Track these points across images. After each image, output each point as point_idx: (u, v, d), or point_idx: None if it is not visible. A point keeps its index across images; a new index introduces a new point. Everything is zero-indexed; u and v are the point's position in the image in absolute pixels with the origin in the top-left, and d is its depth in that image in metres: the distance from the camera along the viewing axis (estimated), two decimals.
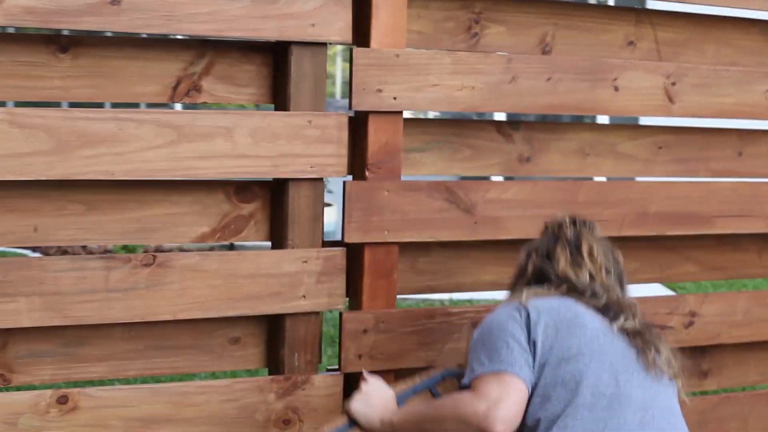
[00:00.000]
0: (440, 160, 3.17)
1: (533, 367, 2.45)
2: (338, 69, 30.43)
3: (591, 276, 2.67)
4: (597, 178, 3.81)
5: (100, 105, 2.84)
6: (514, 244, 3.18)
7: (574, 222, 2.78)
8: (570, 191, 3.27)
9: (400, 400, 2.73)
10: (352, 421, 2.68)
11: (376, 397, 2.71)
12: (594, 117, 8.31)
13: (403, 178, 3.04)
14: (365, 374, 2.80)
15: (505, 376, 2.42)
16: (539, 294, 2.61)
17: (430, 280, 3.19)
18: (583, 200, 3.27)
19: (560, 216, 2.81)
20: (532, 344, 2.47)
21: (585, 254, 2.70)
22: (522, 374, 2.42)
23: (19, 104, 2.91)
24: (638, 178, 3.54)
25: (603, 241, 2.77)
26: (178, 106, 9.36)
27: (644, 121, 4.55)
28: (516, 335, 2.48)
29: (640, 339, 2.54)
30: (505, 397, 2.38)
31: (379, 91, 2.94)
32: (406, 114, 3.06)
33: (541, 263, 2.73)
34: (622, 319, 2.56)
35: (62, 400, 2.73)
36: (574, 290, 2.63)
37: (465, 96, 3.07)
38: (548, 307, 2.55)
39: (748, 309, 3.62)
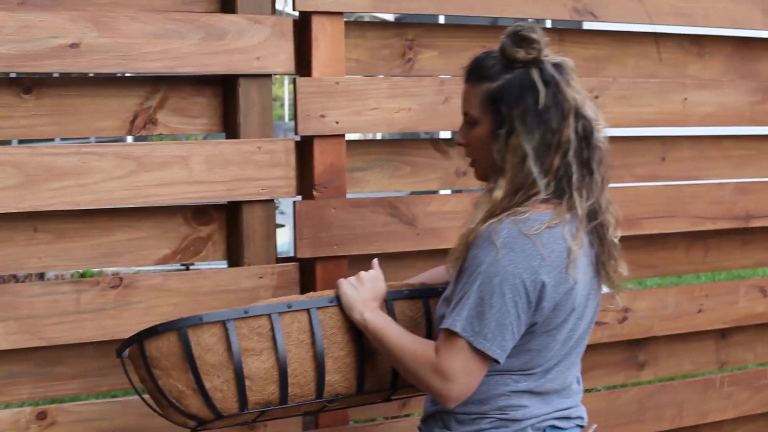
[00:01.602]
0: (383, 177, 3.38)
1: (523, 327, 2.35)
2: (285, 92, 30.52)
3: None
4: None
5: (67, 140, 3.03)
6: None
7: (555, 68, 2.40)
8: None
9: (390, 297, 2.65)
10: (338, 299, 2.59)
11: (367, 288, 2.57)
12: None
13: (348, 195, 3.26)
14: (374, 263, 2.69)
15: (485, 362, 2.33)
16: (554, 229, 2.34)
17: None
18: None
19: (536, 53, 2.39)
20: (532, 313, 2.33)
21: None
22: (502, 357, 2.33)
23: None
24: None
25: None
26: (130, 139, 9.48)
27: None
28: (521, 316, 2.31)
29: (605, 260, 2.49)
30: (470, 383, 2.34)
31: (322, 116, 3.15)
32: (350, 136, 3.27)
33: (576, 174, 2.38)
34: (606, 256, 2.48)
35: (41, 416, 2.93)
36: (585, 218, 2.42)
37: (402, 117, 3.30)
38: (560, 266, 2.33)
39: (677, 303, 3.87)
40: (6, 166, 2.81)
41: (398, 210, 3.31)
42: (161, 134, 3.08)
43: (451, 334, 2.33)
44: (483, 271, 2.29)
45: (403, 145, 3.43)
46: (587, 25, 3.70)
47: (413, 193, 3.67)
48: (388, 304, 2.63)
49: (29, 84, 2.91)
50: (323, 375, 2.54)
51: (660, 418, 3.92)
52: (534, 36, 2.36)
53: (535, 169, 2.33)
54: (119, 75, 3.04)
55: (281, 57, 3.11)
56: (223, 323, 2.46)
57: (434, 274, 2.86)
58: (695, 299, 3.92)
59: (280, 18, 3.10)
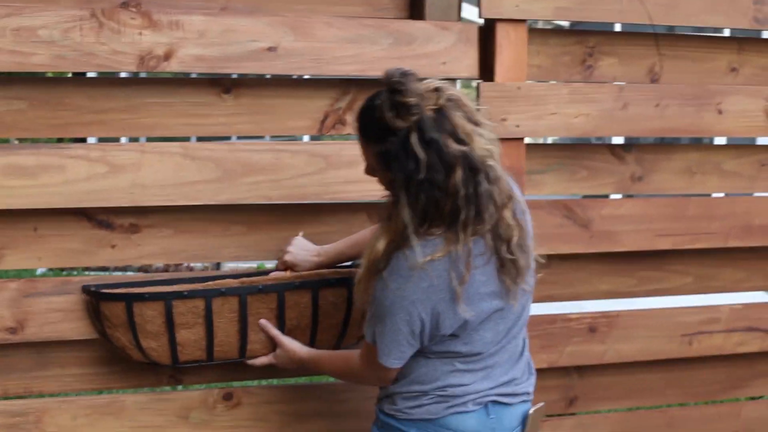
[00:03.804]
0: (560, 180, 3.47)
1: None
2: None
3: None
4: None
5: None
6: (627, 257, 3.49)
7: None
8: (679, 206, 3.54)
9: (315, 285, 2.97)
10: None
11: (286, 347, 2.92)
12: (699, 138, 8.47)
13: (525, 197, 3.34)
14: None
15: (392, 370, 2.59)
16: (441, 261, 2.44)
17: (550, 290, 3.46)
18: (692, 215, 3.54)
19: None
20: (432, 328, 2.49)
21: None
22: (400, 364, 2.57)
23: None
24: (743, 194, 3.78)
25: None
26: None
27: (748, 140, 4.78)
28: (415, 331, 2.48)
29: (509, 271, 2.55)
30: (387, 376, 2.61)
31: (504, 120, 3.25)
32: (528, 139, 3.36)
33: (464, 215, 2.44)
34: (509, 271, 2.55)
35: (228, 396, 3.11)
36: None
37: (581, 122, 3.37)
38: (450, 296, 2.45)
39: None
40: (206, 161, 2.99)
41: (573, 213, 3.39)
42: (349, 134, 3.21)
43: (366, 342, 2.61)
44: (377, 296, 2.49)
45: (580, 149, 3.51)
46: (765, 34, 3.70)
47: (587, 196, 3.73)
48: (312, 292, 2.97)
49: (229, 84, 3.08)
50: (245, 344, 2.95)
51: None
52: (411, 101, 2.36)
53: (414, 235, 2.41)
54: (313, 77, 3.18)
55: (466, 62, 3.22)
56: (164, 301, 2.81)
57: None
58: None
59: (466, 24, 3.21)
